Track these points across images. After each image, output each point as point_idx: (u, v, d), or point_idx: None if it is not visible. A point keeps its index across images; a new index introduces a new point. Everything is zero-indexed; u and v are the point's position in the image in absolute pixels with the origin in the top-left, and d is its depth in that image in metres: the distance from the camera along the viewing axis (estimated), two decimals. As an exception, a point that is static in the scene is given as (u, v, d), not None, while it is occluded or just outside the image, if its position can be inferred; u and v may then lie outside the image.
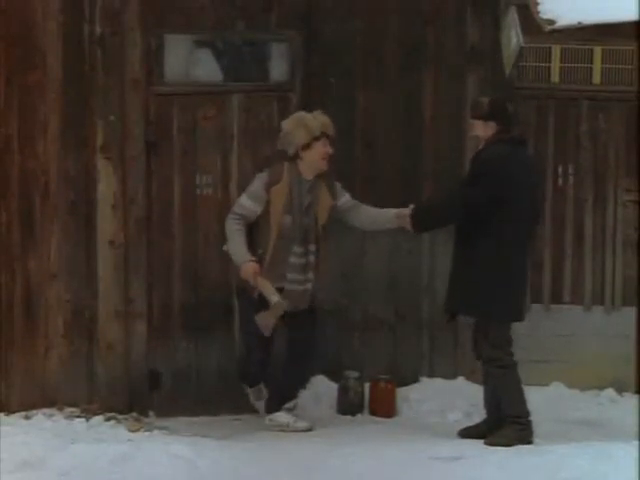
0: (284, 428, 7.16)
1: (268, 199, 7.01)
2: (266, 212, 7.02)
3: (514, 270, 6.77)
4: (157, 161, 7.77)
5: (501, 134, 6.77)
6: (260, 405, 7.36)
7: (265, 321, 6.94)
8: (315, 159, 7.03)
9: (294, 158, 7.05)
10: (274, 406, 7.23)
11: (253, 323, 6.95)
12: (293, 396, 7.32)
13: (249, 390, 7.38)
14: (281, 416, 7.21)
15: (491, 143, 6.76)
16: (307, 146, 7.01)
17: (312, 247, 7.08)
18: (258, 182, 7.08)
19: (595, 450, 6.27)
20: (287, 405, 7.25)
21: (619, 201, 8.15)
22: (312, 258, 7.09)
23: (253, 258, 6.93)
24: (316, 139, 7.01)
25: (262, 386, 7.34)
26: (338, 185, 7.22)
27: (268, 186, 7.01)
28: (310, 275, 7.10)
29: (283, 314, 6.94)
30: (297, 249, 7.03)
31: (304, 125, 7.01)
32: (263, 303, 6.91)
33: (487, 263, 6.65)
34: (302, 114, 7.14)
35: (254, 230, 7.05)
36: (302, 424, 7.21)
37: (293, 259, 7.04)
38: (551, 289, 8.14)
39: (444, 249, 7.27)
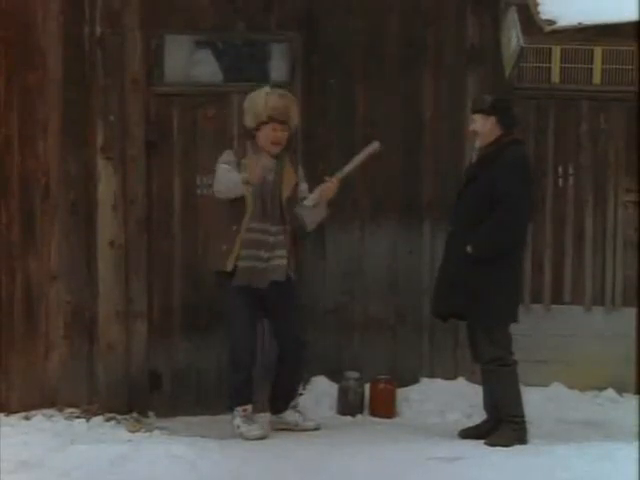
0: (292, 427, 7.15)
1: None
2: None
3: (514, 271, 6.77)
4: (157, 161, 7.77)
5: (509, 135, 6.75)
6: (248, 430, 6.92)
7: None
8: (263, 142, 6.97)
9: (252, 135, 7.01)
10: (281, 406, 7.20)
11: (238, 308, 6.86)
12: (296, 394, 7.31)
13: (238, 410, 6.97)
14: (289, 415, 7.20)
15: (507, 144, 6.71)
16: (257, 129, 6.98)
17: (276, 226, 6.91)
18: (226, 154, 7.00)
19: (595, 450, 6.29)
20: (293, 403, 7.25)
21: (619, 201, 8.15)
22: (281, 238, 6.91)
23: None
24: (263, 123, 6.95)
25: (251, 407, 7.01)
26: (301, 171, 7.16)
27: (238, 158, 6.95)
28: (278, 252, 6.89)
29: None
30: (256, 225, 6.87)
31: (252, 108, 6.97)
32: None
33: (488, 265, 6.62)
34: (257, 95, 7.01)
35: (226, 208, 6.94)
36: (310, 423, 7.21)
37: (253, 235, 6.87)
38: (551, 289, 8.14)
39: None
